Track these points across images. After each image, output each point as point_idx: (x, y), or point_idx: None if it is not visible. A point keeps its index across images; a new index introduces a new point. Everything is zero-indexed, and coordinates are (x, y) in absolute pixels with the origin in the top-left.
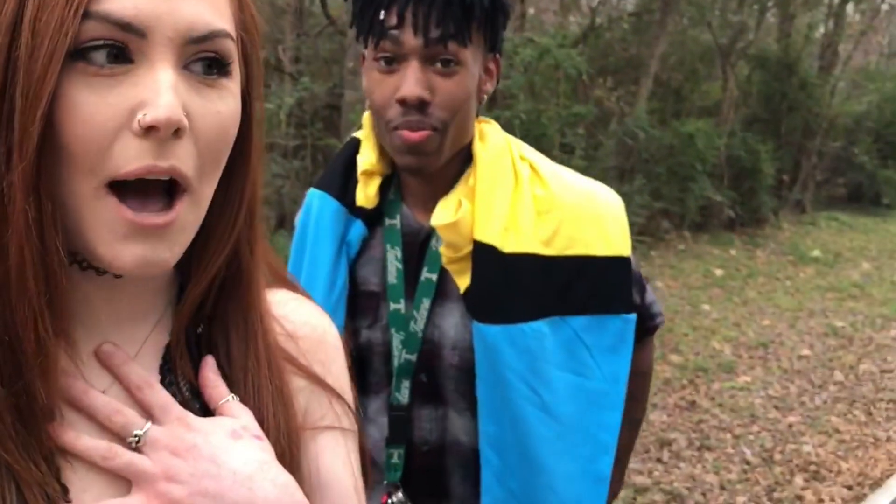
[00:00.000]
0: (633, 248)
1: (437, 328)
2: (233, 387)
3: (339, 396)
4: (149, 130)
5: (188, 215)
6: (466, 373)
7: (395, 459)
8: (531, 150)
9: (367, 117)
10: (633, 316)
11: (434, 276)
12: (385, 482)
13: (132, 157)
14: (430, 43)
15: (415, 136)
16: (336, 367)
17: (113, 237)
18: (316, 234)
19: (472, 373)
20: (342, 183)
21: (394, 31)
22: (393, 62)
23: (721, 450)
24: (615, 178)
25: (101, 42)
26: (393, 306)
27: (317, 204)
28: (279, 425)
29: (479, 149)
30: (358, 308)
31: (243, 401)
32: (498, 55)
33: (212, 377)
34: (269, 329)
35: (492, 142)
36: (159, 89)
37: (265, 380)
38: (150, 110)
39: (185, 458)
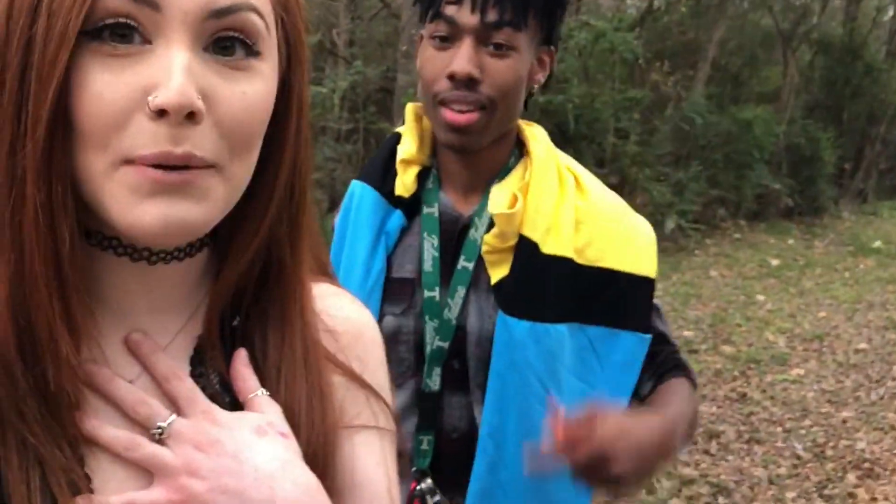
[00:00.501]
0: (687, 237)
1: (469, 317)
2: (265, 381)
3: (377, 394)
4: (161, 113)
5: (217, 186)
6: (485, 364)
7: (424, 446)
8: (575, 163)
9: (409, 108)
10: (649, 337)
11: (470, 265)
12: (413, 469)
13: (147, 141)
14: (486, 25)
15: (461, 118)
16: (374, 365)
17: (134, 199)
18: (355, 223)
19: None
20: (382, 174)
21: (452, 7)
22: (447, 40)
23: (771, 443)
24: (670, 164)
25: (114, 21)
26: (427, 294)
27: (357, 194)
28: (312, 422)
29: (533, 146)
30: (391, 294)
31: (275, 396)
32: (553, 48)
33: (242, 370)
34: (310, 323)
35: (543, 145)
36: (171, 71)
37: (300, 375)
38: (161, 92)
39: (207, 452)
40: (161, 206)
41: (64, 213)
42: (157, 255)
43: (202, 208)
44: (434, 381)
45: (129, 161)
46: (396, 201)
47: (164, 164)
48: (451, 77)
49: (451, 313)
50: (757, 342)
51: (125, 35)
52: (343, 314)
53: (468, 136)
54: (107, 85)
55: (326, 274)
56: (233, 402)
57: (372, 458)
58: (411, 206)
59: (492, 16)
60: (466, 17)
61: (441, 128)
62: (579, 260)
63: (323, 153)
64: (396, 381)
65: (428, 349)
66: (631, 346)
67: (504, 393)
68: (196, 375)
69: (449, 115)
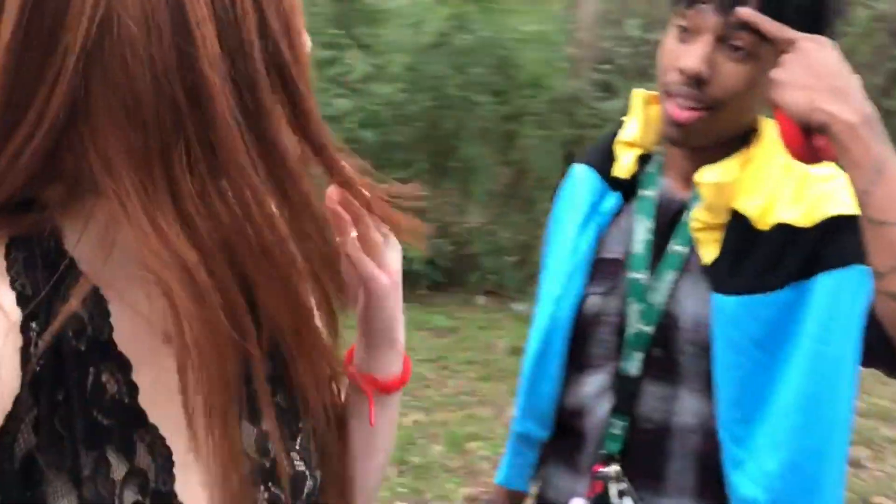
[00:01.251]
0: None
1: (679, 302)
2: None
3: None
4: None
5: None
6: (705, 350)
7: (616, 430)
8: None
9: (637, 93)
10: (867, 267)
11: (683, 249)
12: (601, 452)
13: None
14: (728, 25)
15: (681, 115)
16: None
17: None
18: (569, 202)
19: (710, 351)
20: (603, 158)
21: (700, 5)
22: (688, 32)
23: None
24: None
25: None
26: (633, 275)
27: (576, 175)
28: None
29: (766, 130)
30: (597, 274)
31: None
32: None
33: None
34: None
35: (774, 136)
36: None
37: None
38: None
39: None
40: None
41: None
42: None
43: None
44: (633, 366)
45: None
46: (614, 184)
47: None
48: (681, 71)
49: (658, 297)
50: None
51: None
52: None
53: (685, 132)
54: None
55: None
56: None
57: None
58: (628, 189)
59: (734, 18)
60: (711, 14)
61: (663, 119)
62: (801, 224)
63: None
64: (595, 362)
65: (630, 332)
66: (855, 282)
67: (732, 380)
68: None
69: (670, 108)
